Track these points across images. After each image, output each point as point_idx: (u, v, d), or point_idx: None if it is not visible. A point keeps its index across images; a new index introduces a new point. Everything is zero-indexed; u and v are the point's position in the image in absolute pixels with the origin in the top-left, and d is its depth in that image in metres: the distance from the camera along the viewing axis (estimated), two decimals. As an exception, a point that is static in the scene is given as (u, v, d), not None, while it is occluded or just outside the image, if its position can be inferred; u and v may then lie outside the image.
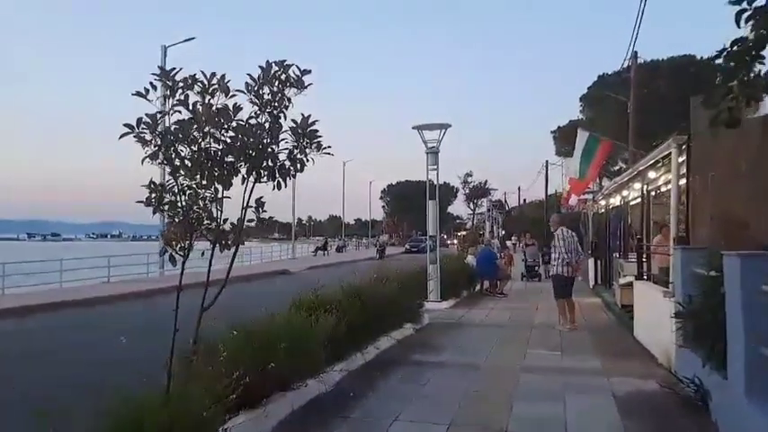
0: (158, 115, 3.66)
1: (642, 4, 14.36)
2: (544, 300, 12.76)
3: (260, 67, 3.85)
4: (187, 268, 3.91)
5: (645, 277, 8.99)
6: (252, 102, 3.88)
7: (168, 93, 3.71)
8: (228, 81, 3.81)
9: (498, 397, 5.62)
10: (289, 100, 3.94)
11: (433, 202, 13.51)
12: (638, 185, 10.91)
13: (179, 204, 3.76)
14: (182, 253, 3.81)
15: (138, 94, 3.61)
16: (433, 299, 12.43)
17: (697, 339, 5.07)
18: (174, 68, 3.72)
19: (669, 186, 7.90)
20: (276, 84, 3.86)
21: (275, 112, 3.90)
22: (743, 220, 6.35)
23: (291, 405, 5.03)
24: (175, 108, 3.74)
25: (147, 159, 3.71)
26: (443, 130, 13.17)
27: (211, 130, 3.75)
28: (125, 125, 3.63)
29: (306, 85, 3.94)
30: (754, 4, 2.77)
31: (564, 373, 6.62)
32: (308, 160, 4.02)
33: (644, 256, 9.41)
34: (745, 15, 2.77)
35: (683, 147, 7.08)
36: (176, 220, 3.78)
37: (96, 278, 20.18)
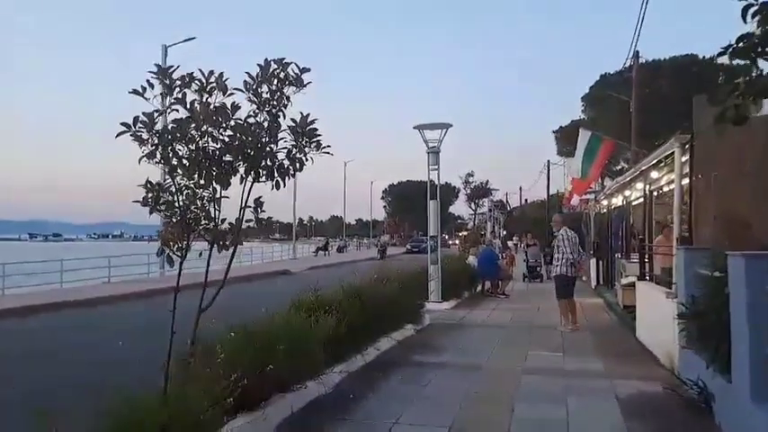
0: (155, 114, 3.62)
1: (644, 4, 14.33)
2: (546, 300, 12.69)
3: (258, 65, 3.82)
4: (187, 269, 3.87)
5: (647, 278, 8.94)
6: (250, 100, 3.86)
7: (165, 91, 3.67)
8: (227, 79, 3.78)
9: (500, 398, 5.57)
10: (288, 98, 3.91)
11: (435, 202, 13.46)
12: (640, 185, 10.85)
13: (176, 204, 3.73)
14: (179, 253, 3.77)
15: (135, 92, 3.58)
16: (434, 299, 12.39)
17: (701, 340, 5.02)
18: (172, 66, 3.68)
19: (672, 186, 7.84)
20: (275, 82, 3.84)
21: (274, 110, 3.87)
22: (746, 219, 6.31)
23: (291, 407, 4.98)
24: (173, 106, 3.71)
25: (145, 158, 3.69)
26: (444, 130, 13.14)
27: (209, 129, 3.72)
28: (122, 124, 3.60)
29: (305, 83, 3.91)
30: (760, 0, 2.72)
31: (566, 375, 6.58)
32: (307, 160, 3.99)
33: (646, 256, 9.37)
34: (752, 11, 2.72)
35: (686, 146, 7.03)
36: (173, 220, 3.75)
37: (97, 278, 20.20)
